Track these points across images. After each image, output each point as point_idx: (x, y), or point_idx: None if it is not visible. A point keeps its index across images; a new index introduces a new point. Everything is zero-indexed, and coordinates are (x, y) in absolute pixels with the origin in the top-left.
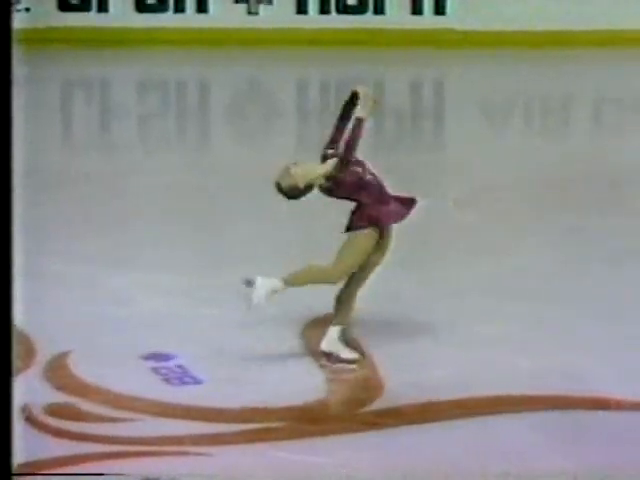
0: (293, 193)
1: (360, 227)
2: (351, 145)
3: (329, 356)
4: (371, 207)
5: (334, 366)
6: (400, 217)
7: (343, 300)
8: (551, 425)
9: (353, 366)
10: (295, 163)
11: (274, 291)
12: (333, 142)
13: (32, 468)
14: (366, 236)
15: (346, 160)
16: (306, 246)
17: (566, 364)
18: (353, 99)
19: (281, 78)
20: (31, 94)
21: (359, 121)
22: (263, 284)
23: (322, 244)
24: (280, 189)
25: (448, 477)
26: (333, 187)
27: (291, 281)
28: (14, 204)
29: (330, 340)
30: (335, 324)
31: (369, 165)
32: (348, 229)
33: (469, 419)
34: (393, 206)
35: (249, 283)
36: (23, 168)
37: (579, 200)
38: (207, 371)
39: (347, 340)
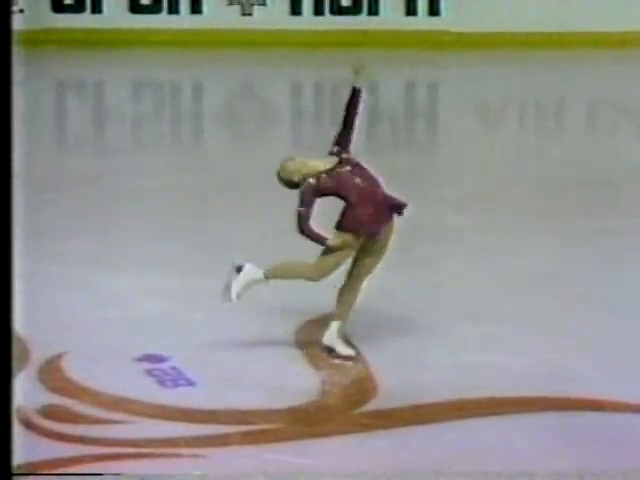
0: (291, 185)
1: (343, 229)
2: (351, 118)
3: (329, 350)
4: (358, 209)
5: (332, 361)
6: (383, 223)
7: (344, 296)
8: (545, 427)
9: (349, 362)
10: (292, 157)
11: (255, 281)
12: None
13: (28, 469)
14: (350, 237)
15: (346, 134)
16: (303, 248)
17: (561, 365)
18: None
19: (275, 79)
20: (25, 96)
21: (356, 92)
22: (248, 271)
23: (319, 246)
24: (280, 180)
25: (442, 478)
26: (322, 184)
27: (272, 274)
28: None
29: (331, 334)
30: (336, 319)
31: (364, 164)
32: (337, 227)
33: (464, 421)
34: (380, 211)
35: (239, 269)
36: (15, 169)
37: (574, 202)
38: (201, 373)
39: (344, 337)
